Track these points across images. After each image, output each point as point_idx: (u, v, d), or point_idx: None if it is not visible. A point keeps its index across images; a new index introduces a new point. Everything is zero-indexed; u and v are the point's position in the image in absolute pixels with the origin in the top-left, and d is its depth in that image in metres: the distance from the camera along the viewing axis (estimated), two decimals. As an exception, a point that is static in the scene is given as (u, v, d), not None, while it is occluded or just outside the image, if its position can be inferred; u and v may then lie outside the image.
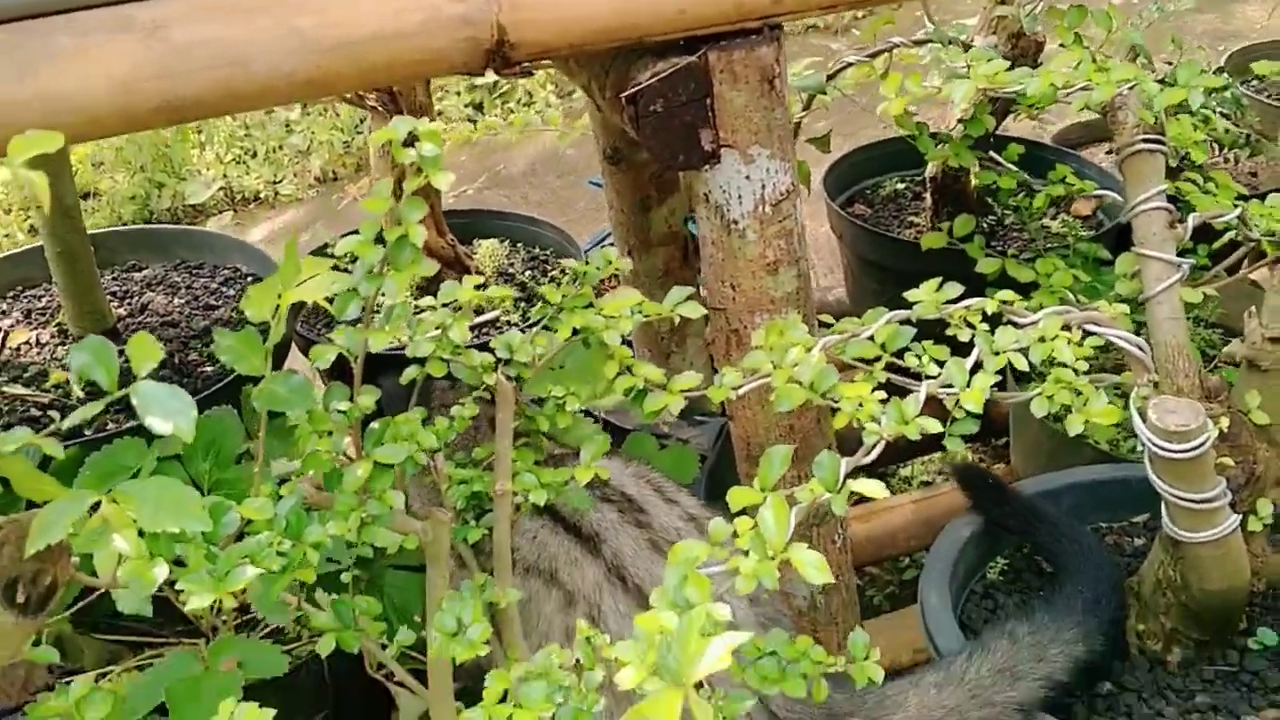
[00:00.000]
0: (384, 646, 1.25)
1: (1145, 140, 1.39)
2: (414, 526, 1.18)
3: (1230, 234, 1.59)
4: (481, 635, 1.07)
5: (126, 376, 0.94)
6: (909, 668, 1.82)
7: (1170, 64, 1.73)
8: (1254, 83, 2.71)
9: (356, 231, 1.05)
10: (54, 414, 1.89)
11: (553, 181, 4.20)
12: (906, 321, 1.25)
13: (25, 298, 2.22)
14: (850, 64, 2.02)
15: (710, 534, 1.02)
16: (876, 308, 1.29)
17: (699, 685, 0.81)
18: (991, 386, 1.18)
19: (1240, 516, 1.32)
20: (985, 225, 2.32)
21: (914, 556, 2.28)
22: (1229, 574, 1.35)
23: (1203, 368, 1.37)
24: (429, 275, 1.00)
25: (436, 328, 1.17)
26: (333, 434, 1.11)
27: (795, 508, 1.01)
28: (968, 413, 1.19)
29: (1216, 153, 2.38)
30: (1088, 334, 1.26)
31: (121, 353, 0.95)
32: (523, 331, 1.21)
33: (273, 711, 1.01)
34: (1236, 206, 1.57)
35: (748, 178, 1.42)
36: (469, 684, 1.27)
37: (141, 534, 0.93)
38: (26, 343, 2.07)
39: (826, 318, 1.44)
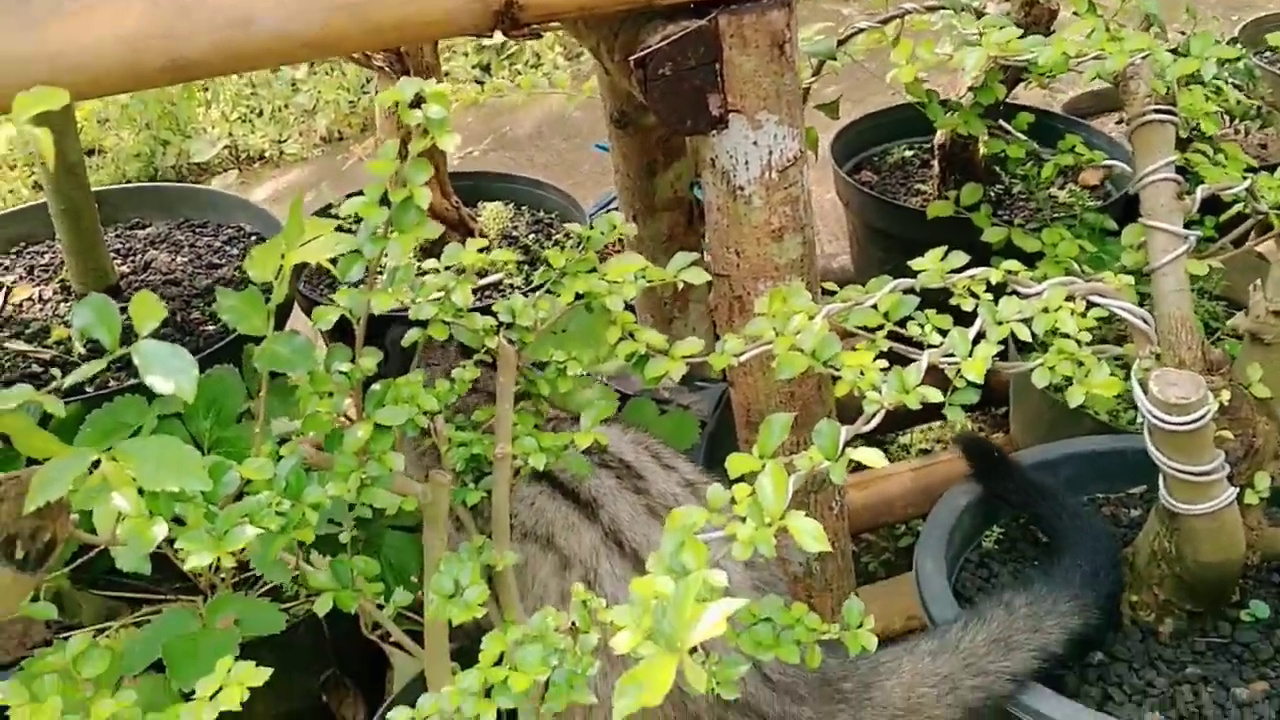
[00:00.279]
0: (381, 607, 1.26)
1: (1156, 110, 1.38)
2: (413, 488, 1.18)
3: (1238, 206, 1.58)
4: (479, 597, 1.08)
5: (129, 335, 0.95)
6: (901, 634, 1.83)
7: (1184, 34, 1.71)
8: (1267, 54, 2.68)
9: (361, 192, 1.05)
10: (55, 371, 1.89)
11: (559, 144, 4.18)
12: (910, 290, 1.24)
13: (28, 254, 2.21)
14: (861, 29, 2.00)
15: (708, 500, 1.02)
16: (881, 276, 1.29)
17: (693, 650, 0.82)
18: (993, 356, 1.18)
19: (1237, 489, 1.32)
20: (992, 194, 2.31)
21: (910, 524, 2.29)
22: (1224, 546, 1.36)
23: (1206, 340, 1.37)
24: (434, 237, 0.99)
25: (439, 291, 1.17)
26: (334, 395, 1.11)
27: (794, 475, 1.01)
28: (968, 382, 1.19)
29: (1227, 124, 2.36)
30: (1091, 305, 1.26)
31: (124, 310, 0.96)
32: (525, 296, 1.21)
33: (269, 669, 1.02)
34: (1245, 178, 1.56)
35: (755, 143, 1.41)
36: (465, 644, 1.28)
37: (141, 492, 0.93)
38: (29, 299, 2.07)
39: (831, 285, 1.44)
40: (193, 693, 1.29)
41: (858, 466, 1.06)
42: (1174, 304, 1.36)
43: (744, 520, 0.99)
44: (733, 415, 1.71)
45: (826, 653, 1.13)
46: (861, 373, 1.15)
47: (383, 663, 1.85)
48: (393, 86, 0.99)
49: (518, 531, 1.35)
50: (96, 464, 0.92)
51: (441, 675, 1.23)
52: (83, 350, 1.92)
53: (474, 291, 1.19)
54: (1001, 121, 1.87)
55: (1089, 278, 1.32)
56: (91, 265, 2.02)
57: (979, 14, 1.82)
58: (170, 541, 1.05)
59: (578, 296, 1.21)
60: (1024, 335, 1.19)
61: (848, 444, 1.07)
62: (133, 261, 2.17)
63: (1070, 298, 1.24)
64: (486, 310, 1.25)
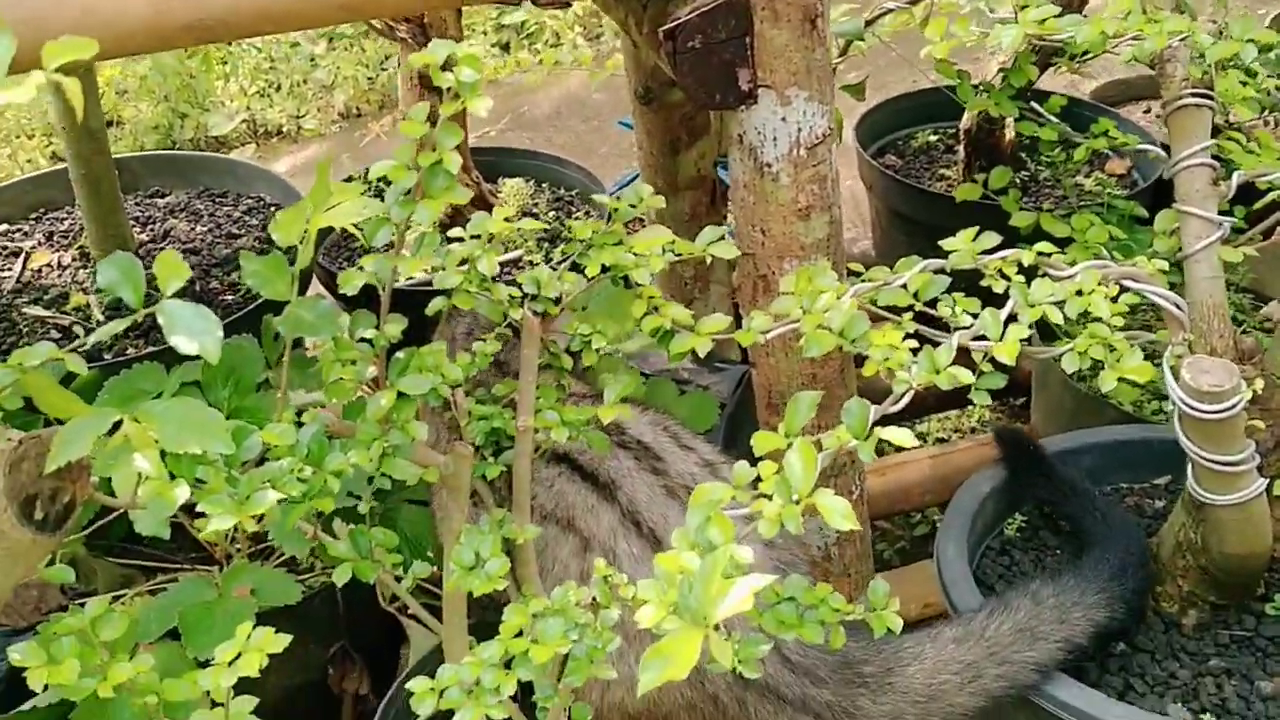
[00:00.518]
0: (399, 579, 1.25)
1: (1193, 94, 1.36)
2: (435, 459, 1.17)
3: (1273, 195, 1.56)
4: (500, 570, 1.07)
5: (150, 302, 0.94)
6: (916, 622, 1.82)
7: (1214, 22, 1.68)
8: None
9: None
10: (79, 332, 1.89)
11: (577, 125, 4.16)
12: (941, 271, 1.22)
13: (48, 220, 2.21)
14: (890, 10, 1.98)
15: (733, 477, 1.01)
16: (909, 257, 1.27)
17: (715, 627, 0.80)
18: (1022, 341, 1.16)
19: (1267, 481, 1.30)
20: (1018, 180, 2.29)
21: (925, 513, 2.28)
22: (1250, 538, 1.34)
23: (1236, 329, 1.35)
24: (463, 202, 0.98)
25: (463, 260, 1.15)
26: (357, 363, 1.10)
27: (822, 454, 1.00)
28: (995, 366, 1.17)
29: (1257, 114, 2.33)
30: (1124, 290, 1.24)
31: (147, 276, 0.94)
32: (554, 269, 1.19)
33: (288, 636, 1.01)
34: (1280, 167, 1.54)
35: (784, 119, 1.39)
36: (481, 618, 1.27)
37: (162, 456, 0.92)
38: (48, 265, 2.06)
39: (856, 266, 1.42)
40: (207, 661, 1.29)
41: (878, 451, 1.05)
42: (1207, 291, 1.34)
43: (770, 498, 0.98)
44: (752, 397, 1.69)
45: (847, 636, 1.11)
46: (890, 353, 1.14)
47: (395, 637, 1.84)
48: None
49: (537, 514, 1.34)
50: (118, 426, 0.91)
51: (459, 648, 1.22)
52: (100, 317, 1.91)
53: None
54: (1034, 104, 1.84)
55: (1121, 263, 1.30)
56: (111, 232, 2.01)
57: (1011, -5, 1.80)
58: (187, 510, 1.04)
59: (604, 269, 1.19)
60: (1056, 318, 1.17)
61: (875, 424, 1.05)
62: (152, 230, 2.16)
63: (1103, 282, 1.22)
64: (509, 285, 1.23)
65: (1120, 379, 1.19)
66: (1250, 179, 1.46)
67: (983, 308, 1.21)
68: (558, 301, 1.19)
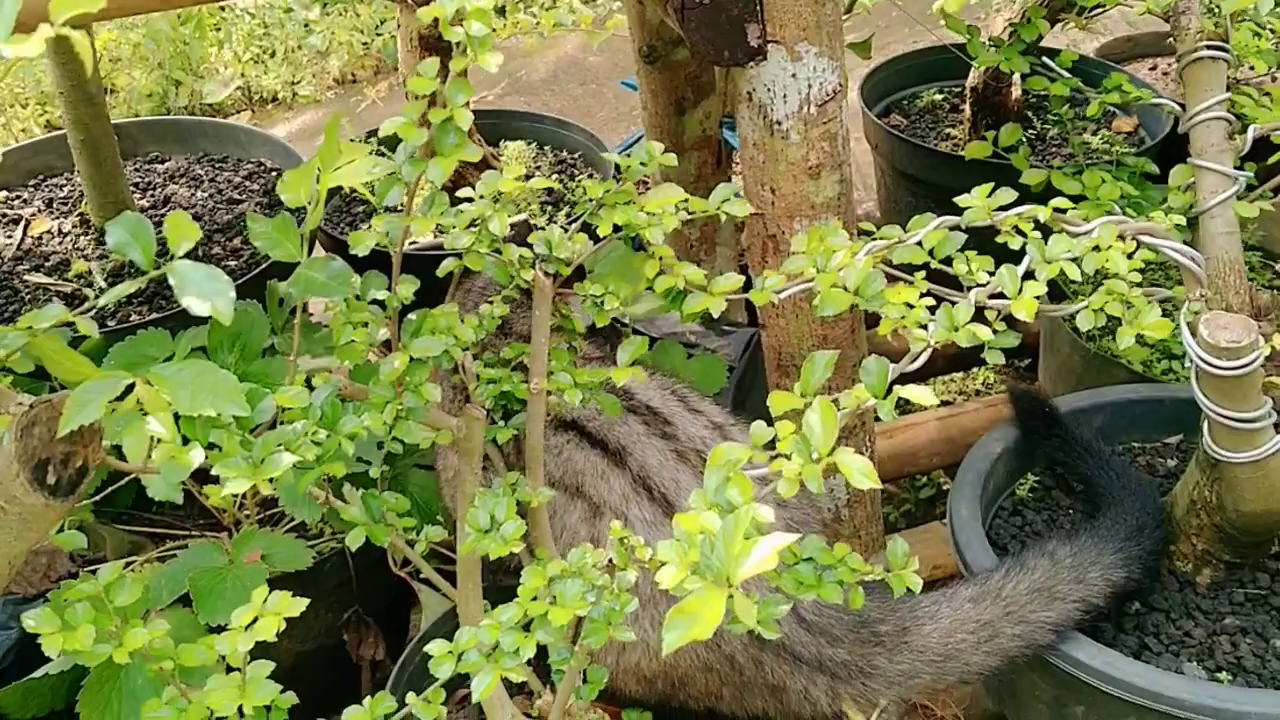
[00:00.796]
0: (411, 544, 1.25)
1: (1208, 47, 1.34)
2: (448, 422, 1.16)
3: (1285, 149, 1.54)
4: (516, 532, 1.06)
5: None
6: (925, 585, 1.82)
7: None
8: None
9: (377, 132, 1.01)
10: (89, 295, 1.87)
11: (575, 90, 4.13)
12: (955, 228, 1.21)
13: (47, 187, 2.18)
14: (895, -34, 1.95)
15: (751, 437, 1.00)
16: (921, 215, 1.26)
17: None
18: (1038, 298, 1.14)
19: (1283, 438, 1.30)
20: (1025, 139, 2.27)
21: (931, 476, 2.27)
22: (1266, 496, 1.33)
23: (1252, 285, 1.34)
24: (475, 160, 0.96)
25: (473, 221, 1.14)
26: (368, 325, 1.08)
27: (840, 413, 0.99)
28: (1009, 326, 1.15)
29: (1272, 68, 2.31)
30: (1140, 246, 1.23)
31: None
32: (565, 230, 1.18)
33: (305, 600, 1.00)
34: (1294, 121, 1.52)
35: (794, 76, 1.37)
36: (492, 582, 1.27)
37: (176, 419, 0.91)
38: (48, 232, 2.04)
39: (867, 226, 1.41)
40: (219, 628, 1.29)
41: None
42: (1223, 246, 1.33)
43: (788, 457, 0.97)
44: (760, 359, 1.68)
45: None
46: (906, 311, 1.12)
47: (404, 603, 1.84)
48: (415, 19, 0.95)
49: (545, 481, 1.33)
50: (129, 390, 0.90)
51: (474, 611, 1.21)
52: (103, 284, 1.89)
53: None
54: (1045, 59, 1.82)
55: (1137, 218, 1.29)
56: (111, 198, 1.99)
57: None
58: (196, 477, 1.03)
59: (616, 229, 1.18)
60: (1074, 274, 1.15)
61: (894, 383, 1.04)
62: (152, 195, 2.14)
63: (1120, 238, 1.21)
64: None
65: (1132, 338, 1.18)
66: (1265, 133, 1.44)
67: (996, 267, 1.20)
68: (569, 262, 1.17)
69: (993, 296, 1.16)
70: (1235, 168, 1.37)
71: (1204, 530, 1.40)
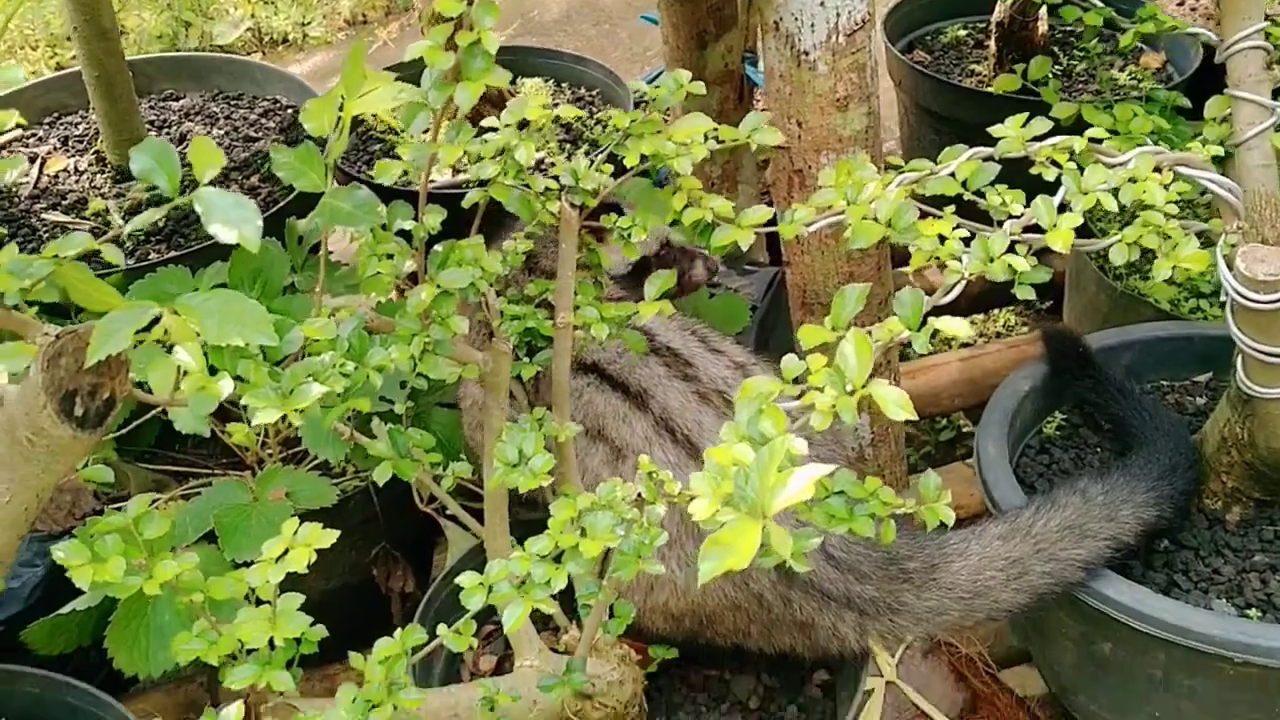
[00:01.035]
0: (436, 480, 1.24)
1: (1249, -27, 1.30)
2: (474, 356, 1.15)
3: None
4: (545, 465, 1.05)
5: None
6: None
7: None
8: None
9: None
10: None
11: (588, 30, 4.08)
12: (989, 159, 1.19)
13: (62, 124, 2.16)
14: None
15: (783, 370, 0.99)
16: (954, 146, 1.23)
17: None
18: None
19: (1318, 374, 1.28)
20: (1051, 74, 2.23)
21: (951, 419, 2.26)
22: (1299, 433, 1.32)
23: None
24: (504, 85, 0.94)
25: (499, 151, 1.12)
26: (393, 257, 1.07)
27: (875, 344, 0.97)
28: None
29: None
30: (1176, 178, 1.20)
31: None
32: (591, 162, 1.15)
33: (336, 532, 1.00)
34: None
35: (822, 4, 1.35)
36: (515, 516, 1.26)
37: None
38: (64, 170, 2.02)
39: (895, 160, 1.38)
40: (244, 564, 1.29)
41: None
42: (1259, 180, 1.30)
43: (821, 390, 0.95)
44: (783, 299, 1.67)
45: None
46: (940, 242, 1.10)
47: (429, 539, 1.84)
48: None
49: None
50: (157, 320, 0.89)
51: (501, 545, 1.21)
52: (120, 221, 1.88)
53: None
54: (1078, -11, 1.78)
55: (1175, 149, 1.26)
56: (126, 136, 1.97)
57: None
58: (218, 415, 1.01)
59: (643, 159, 1.15)
60: (1110, 205, 1.13)
61: (928, 315, 1.03)
62: (168, 133, 2.12)
63: (1156, 170, 1.18)
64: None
65: (1170, 270, 1.16)
66: (1305, 62, 1.41)
67: (1026, 202, 1.17)
68: (595, 193, 1.15)
69: (1028, 230, 1.14)
70: (1272, 98, 1.34)
71: (1234, 468, 1.39)
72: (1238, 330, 1.24)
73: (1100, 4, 1.76)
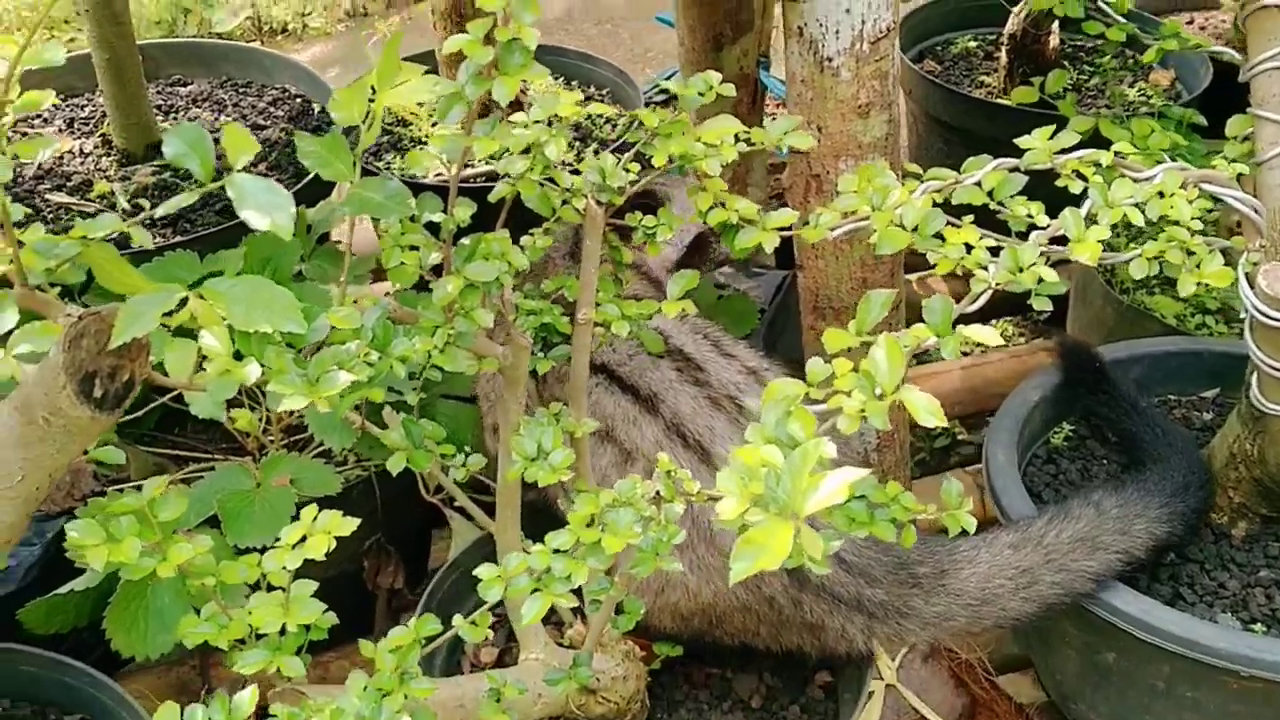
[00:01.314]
0: (445, 471, 1.24)
1: (1275, -6, 1.31)
2: (494, 350, 1.14)
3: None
4: (565, 460, 1.04)
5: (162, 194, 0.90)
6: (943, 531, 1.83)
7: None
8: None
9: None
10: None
11: (589, 29, 4.08)
12: (1014, 170, 1.19)
13: (68, 106, 2.14)
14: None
15: (809, 375, 0.99)
16: (978, 157, 1.23)
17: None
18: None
19: (1333, 394, 1.28)
20: (1062, 89, 2.24)
21: (947, 426, 2.26)
22: (1310, 452, 1.33)
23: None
24: (537, 80, 0.94)
25: (528, 147, 1.11)
26: (418, 249, 1.06)
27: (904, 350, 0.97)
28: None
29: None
30: (1200, 194, 1.21)
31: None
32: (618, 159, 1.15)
33: (356, 520, 0.99)
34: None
35: (847, 11, 1.35)
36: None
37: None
38: (70, 152, 2.01)
39: (912, 168, 1.38)
40: (246, 550, 1.28)
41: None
42: (1280, 198, 1.31)
43: (848, 394, 0.95)
44: (791, 303, 1.67)
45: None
46: (968, 250, 1.10)
47: (425, 531, 1.83)
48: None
49: None
50: (183, 304, 0.88)
51: (511, 539, 1.20)
52: (126, 205, 1.86)
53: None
54: (1100, 3, 1.79)
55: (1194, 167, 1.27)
56: (134, 120, 1.95)
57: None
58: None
59: (670, 160, 1.15)
60: (1136, 219, 1.13)
61: (957, 322, 1.03)
62: (175, 119, 2.10)
63: (1182, 185, 1.19)
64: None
65: (1194, 285, 1.16)
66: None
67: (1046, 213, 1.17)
68: (622, 191, 1.15)
69: (1054, 241, 1.14)
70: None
71: (1242, 483, 1.39)
72: (1256, 348, 1.25)
73: (1123, 20, 1.76)
